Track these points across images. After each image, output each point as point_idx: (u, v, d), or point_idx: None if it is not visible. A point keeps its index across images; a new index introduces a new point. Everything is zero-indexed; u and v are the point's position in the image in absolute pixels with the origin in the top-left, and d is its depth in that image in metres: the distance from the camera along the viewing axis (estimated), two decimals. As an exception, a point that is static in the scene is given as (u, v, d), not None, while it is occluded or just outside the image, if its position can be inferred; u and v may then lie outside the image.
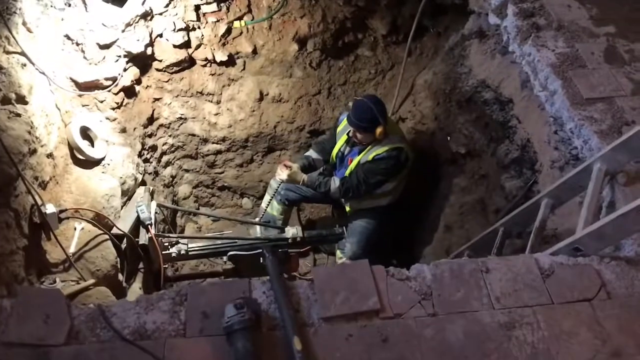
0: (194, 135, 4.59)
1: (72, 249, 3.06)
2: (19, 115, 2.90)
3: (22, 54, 3.08)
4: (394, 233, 4.38)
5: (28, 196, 2.83)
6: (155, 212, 3.77)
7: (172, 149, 4.63)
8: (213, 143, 4.66)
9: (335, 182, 3.85)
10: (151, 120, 4.35)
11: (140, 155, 4.19)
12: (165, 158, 4.60)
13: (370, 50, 4.52)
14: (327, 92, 4.63)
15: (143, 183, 4.19)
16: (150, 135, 4.37)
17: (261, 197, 4.97)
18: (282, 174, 3.88)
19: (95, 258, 3.14)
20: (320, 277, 1.82)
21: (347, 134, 3.88)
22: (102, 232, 3.28)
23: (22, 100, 2.97)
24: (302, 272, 4.62)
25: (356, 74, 4.62)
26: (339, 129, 4.01)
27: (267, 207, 4.20)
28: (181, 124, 4.53)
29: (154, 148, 4.42)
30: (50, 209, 2.94)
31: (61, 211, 3.04)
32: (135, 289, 3.59)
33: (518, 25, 2.84)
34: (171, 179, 4.69)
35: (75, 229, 3.18)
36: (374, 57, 4.55)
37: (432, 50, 4.31)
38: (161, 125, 4.46)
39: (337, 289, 1.79)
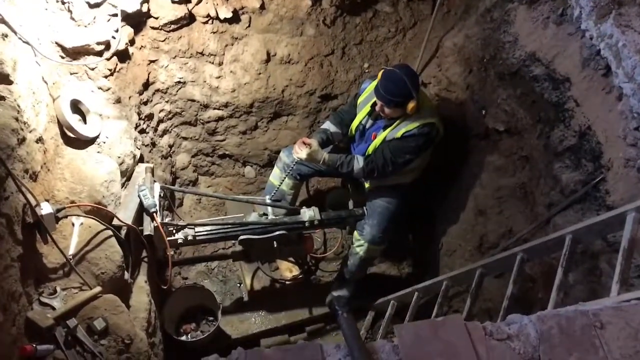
0: (193, 100, 4.12)
1: (71, 250, 2.69)
2: (2, 98, 2.44)
3: (2, 21, 2.58)
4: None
5: (19, 195, 2.41)
6: (160, 195, 3.39)
7: (170, 116, 4.17)
8: (214, 109, 4.20)
9: (359, 162, 3.49)
10: (146, 85, 3.87)
11: (137, 126, 3.74)
12: (162, 126, 4.15)
13: (390, 5, 4.04)
14: (341, 52, 4.17)
15: (141, 157, 3.76)
16: (145, 103, 3.90)
17: (265, 166, 4.60)
18: (301, 152, 3.49)
19: (99, 259, 2.77)
20: (406, 342, 1.49)
21: (371, 106, 3.48)
22: (104, 227, 2.88)
23: (5, 79, 2.50)
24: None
25: (374, 32, 4.15)
26: (360, 99, 3.61)
27: (280, 184, 3.82)
28: (179, 88, 4.05)
29: (150, 117, 3.96)
30: (46, 208, 2.54)
31: (58, 210, 2.62)
32: (141, 283, 3.27)
33: (594, -1, 2.43)
34: (169, 148, 4.25)
35: (73, 225, 2.79)
36: (395, 14, 4.08)
37: (462, 8, 3.85)
38: (157, 90, 3.98)
39: (429, 356, 1.47)
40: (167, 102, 4.07)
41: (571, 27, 2.65)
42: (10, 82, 2.52)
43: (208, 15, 3.79)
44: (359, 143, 3.69)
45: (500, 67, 3.27)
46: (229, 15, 3.80)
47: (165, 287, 3.38)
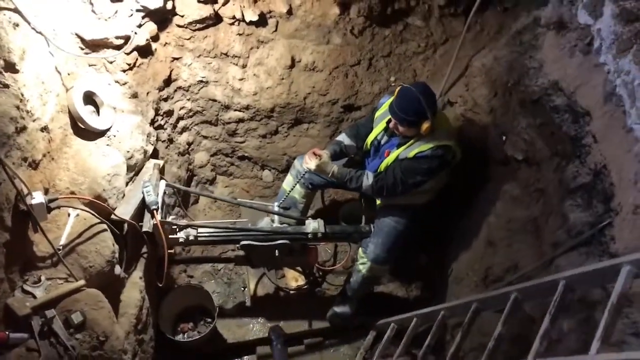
0: (215, 100, 4.12)
1: (62, 241, 2.71)
2: (7, 86, 2.47)
3: (16, 10, 2.62)
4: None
5: (12, 182, 2.43)
6: (165, 192, 3.39)
7: (190, 114, 4.18)
8: (235, 110, 4.19)
9: (368, 178, 3.39)
10: (168, 82, 3.89)
11: (153, 122, 3.76)
12: (181, 123, 4.16)
13: (422, 19, 3.92)
14: (368, 63, 4.08)
15: (155, 152, 3.79)
16: (166, 99, 3.92)
17: (283, 171, 4.55)
18: (310, 163, 3.43)
19: (89, 252, 2.78)
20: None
21: (387, 122, 3.39)
22: (99, 220, 2.90)
23: (11, 68, 2.53)
24: (320, 260, 4.26)
25: (403, 46, 4.04)
26: (377, 113, 3.52)
27: (290, 191, 3.77)
28: (202, 87, 4.05)
29: (169, 113, 3.98)
30: (37, 198, 2.56)
31: (51, 200, 2.64)
32: (135, 279, 3.29)
33: (616, 32, 2.25)
34: (187, 146, 4.27)
35: (69, 215, 2.81)
36: (426, 29, 3.96)
37: (495, 28, 3.69)
38: (179, 87, 3.99)
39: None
40: (188, 100, 4.09)
41: (597, 59, 2.47)
42: (16, 71, 2.56)
43: (234, 17, 3.77)
44: (373, 158, 3.59)
45: (523, 93, 3.11)
46: (255, 18, 3.77)
47: (160, 285, 3.36)
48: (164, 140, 3.95)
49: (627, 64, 2.16)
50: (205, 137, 4.37)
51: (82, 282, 2.64)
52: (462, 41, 3.77)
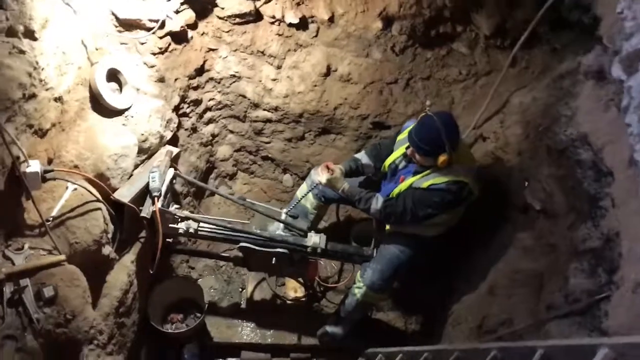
0: (245, 97, 4.08)
1: (54, 212, 2.71)
2: (22, 52, 2.49)
3: (43, -21, 2.64)
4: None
5: (12, 147, 2.45)
6: (172, 181, 3.36)
7: (219, 107, 4.16)
8: (264, 110, 4.14)
9: (377, 202, 3.27)
10: (201, 71, 3.88)
11: (177, 108, 3.75)
12: (208, 115, 4.15)
13: (468, 47, 3.75)
14: (405, 83, 3.94)
15: (175, 139, 3.78)
16: (195, 88, 3.91)
17: (304, 178, 4.45)
18: (322, 176, 3.35)
19: (78, 228, 2.78)
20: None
21: (406, 147, 3.25)
22: (95, 199, 2.89)
23: (30, 35, 2.56)
24: (323, 275, 4.16)
25: (444, 71, 3.88)
26: (400, 137, 3.39)
27: (302, 198, 3.69)
28: (233, 82, 4.02)
29: (197, 102, 3.97)
30: (33, 166, 2.56)
31: (47, 171, 2.65)
32: (126, 262, 3.27)
33: (648, 92, 2.06)
34: (211, 137, 4.25)
35: (67, 188, 2.81)
36: (470, 57, 3.78)
37: (541, 68, 3.49)
38: (211, 78, 3.98)
39: None
40: (219, 92, 4.07)
41: (623, 118, 2.27)
42: (34, 39, 2.58)
43: (274, 17, 3.72)
44: (388, 182, 3.47)
45: (551, 140, 2.91)
46: (295, 20, 3.71)
47: (151, 272, 3.33)
48: (187, 129, 3.94)
49: (651, 130, 1.96)
50: (231, 132, 4.34)
51: (62, 257, 2.63)
52: (503, 75, 3.59)
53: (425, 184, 3.11)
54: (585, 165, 2.63)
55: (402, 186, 3.24)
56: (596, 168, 2.55)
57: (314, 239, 3.43)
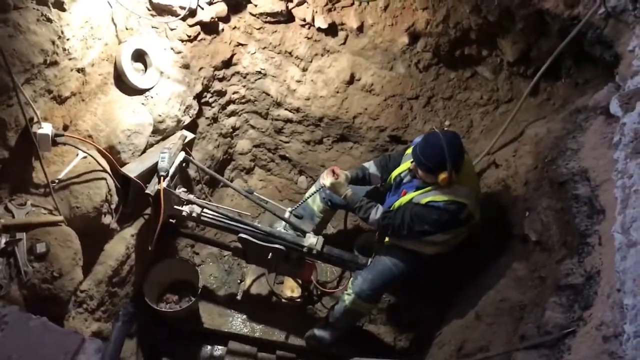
0: (268, 94, 4.18)
1: (61, 175, 2.84)
2: (49, 20, 2.64)
3: (79, -43, 2.80)
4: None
5: (27, 109, 2.60)
6: (182, 164, 3.47)
7: (243, 101, 4.27)
8: (286, 109, 4.22)
9: (377, 212, 3.29)
10: (228, 64, 3.99)
11: (200, 96, 3.87)
12: (231, 107, 4.26)
13: (492, 72, 3.74)
14: (426, 100, 3.95)
15: (194, 126, 3.89)
16: (221, 79, 4.03)
17: (318, 182, 4.52)
18: (326, 179, 3.40)
19: (81, 194, 2.91)
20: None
21: (412, 162, 3.27)
22: (101, 169, 3.02)
23: (60, 6, 2.71)
24: (320, 279, 4.19)
25: (466, 93, 3.87)
26: (408, 151, 3.40)
27: (308, 198, 3.74)
28: (259, 78, 4.13)
29: (221, 93, 4.08)
30: (45, 129, 2.70)
31: (57, 135, 2.78)
32: (126, 235, 3.39)
33: (637, 130, 2.03)
34: (232, 130, 4.35)
35: (77, 155, 2.95)
36: (493, 82, 3.77)
37: (561, 100, 3.46)
38: (237, 72, 4.09)
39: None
40: (244, 86, 4.17)
41: (611, 153, 2.24)
42: (63, 10, 2.73)
43: (304, 20, 3.80)
44: (392, 194, 3.48)
45: (553, 172, 2.88)
46: (324, 26, 3.78)
47: (150, 249, 3.43)
48: (208, 117, 4.06)
49: (634, 167, 1.93)
50: (252, 127, 4.44)
51: (60, 218, 2.76)
52: (524, 105, 3.56)
53: (424, 200, 3.11)
54: (581, 201, 2.59)
55: (403, 200, 3.25)
56: (591, 204, 2.52)
57: (312, 240, 3.47)
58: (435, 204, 3.08)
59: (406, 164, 3.36)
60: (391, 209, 3.31)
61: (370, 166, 3.57)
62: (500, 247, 3.49)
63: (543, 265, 2.93)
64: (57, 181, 2.81)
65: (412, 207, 3.17)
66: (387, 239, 3.59)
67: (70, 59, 2.84)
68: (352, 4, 3.71)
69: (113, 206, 3.19)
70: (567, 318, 2.31)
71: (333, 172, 3.42)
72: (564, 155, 2.86)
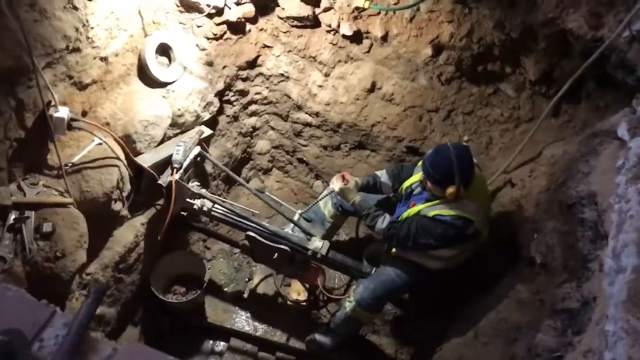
0: (289, 97, 4.22)
1: (75, 159, 2.92)
2: (75, 8, 2.73)
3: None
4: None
5: (46, 92, 2.68)
6: (197, 158, 3.53)
7: (264, 102, 4.32)
8: (306, 113, 4.25)
9: (383, 222, 3.27)
10: (252, 65, 4.05)
11: (222, 94, 3.93)
12: (253, 107, 4.31)
13: (514, 90, 3.69)
14: (446, 114, 3.92)
15: (214, 122, 3.96)
16: (244, 79, 4.08)
17: (333, 187, 4.53)
18: (335, 184, 3.42)
19: (92, 179, 2.98)
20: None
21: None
22: (115, 156, 3.09)
23: (88, -5, 2.80)
24: (327, 285, 4.19)
25: (487, 109, 3.83)
26: (420, 162, 3.38)
27: (319, 201, 3.76)
28: (281, 81, 4.17)
29: (243, 93, 4.14)
30: (61, 113, 2.78)
31: (73, 119, 2.86)
32: (136, 223, 3.45)
33: (641, 156, 1.98)
34: (252, 129, 4.40)
35: (93, 141, 3.03)
36: (516, 100, 3.72)
37: (581, 124, 3.38)
38: (261, 73, 4.15)
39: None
40: (266, 88, 4.22)
41: (615, 177, 2.19)
42: (90, -1, 2.82)
43: (330, 26, 3.83)
44: (402, 205, 3.47)
45: (562, 195, 2.82)
46: (349, 33, 3.80)
47: (159, 238, 3.50)
48: (229, 115, 4.12)
49: (632, 193, 1.88)
50: (272, 129, 4.48)
51: (69, 200, 2.83)
52: (544, 125, 3.51)
53: (431, 213, 3.09)
54: (587, 225, 2.54)
55: (411, 211, 3.24)
56: (595, 229, 2.46)
57: (317, 244, 3.48)
58: (442, 217, 3.05)
59: (417, 175, 3.34)
60: (399, 219, 3.30)
61: (382, 175, 3.56)
62: (507, 268, 3.44)
63: (545, 288, 2.87)
64: (70, 164, 2.89)
65: (418, 219, 3.14)
66: (393, 249, 3.58)
67: (93, 47, 2.93)
68: (378, 13, 3.71)
69: (125, 194, 3.26)
70: (558, 342, 2.26)
71: (343, 177, 3.43)
72: (575, 178, 2.81)
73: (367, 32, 3.84)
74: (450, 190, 2.94)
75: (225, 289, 4.14)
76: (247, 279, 4.25)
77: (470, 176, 3.00)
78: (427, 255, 3.26)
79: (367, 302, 3.38)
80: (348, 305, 3.50)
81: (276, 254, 3.54)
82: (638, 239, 1.74)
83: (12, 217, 2.62)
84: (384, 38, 3.81)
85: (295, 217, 3.69)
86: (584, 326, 2.16)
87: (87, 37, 2.86)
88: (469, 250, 3.27)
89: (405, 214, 3.27)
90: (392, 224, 3.26)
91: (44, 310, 1.47)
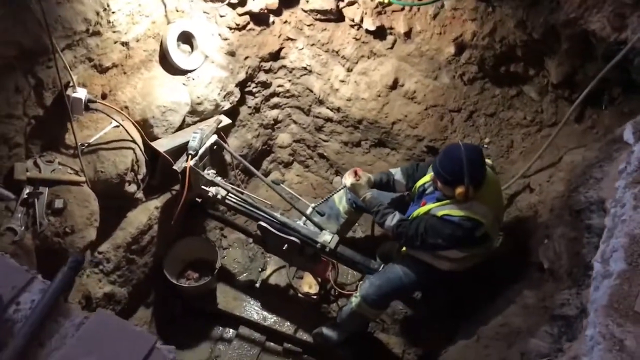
0: (311, 91, 4.23)
1: (91, 140, 3.00)
2: (97, -8, 2.80)
3: None
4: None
5: (65, 73, 2.77)
6: (213, 147, 3.58)
7: (287, 95, 4.34)
8: (327, 108, 4.25)
9: (393, 219, 3.25)
10: (275, 57, 4.08)
11: (243, 85, 3.97)
12: (275, 100, 4.34)
13: (538, 93, 3.60)
14: (468, 115, 3.86)
15: (235, 113, 4.00)
16: (267, 71, 4.12)
17: (352, 185, 4.52)
18: (347, 180, 3.41)
19: (107, 159, 3.07)
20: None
21: (434, 173, 3.22)
22: (131, 139, 3.17)
23: (108, -20, 2.87)
24: (340, 281, 4.19)
25: (510, 112, 3.75)
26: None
27: (333, 196, 3.77)
28: (304, 74, 4.19)
29: (266, 85, 4.17)
30: (79, 94, 2.86)
31: (91, 101, 2.94)
32: (150, 206, 3.53)
33: (643, 161, 1.91)
34: (274, 122, 4.43)
35: (110, 123, 3.11)
36: (539, 104, 3.63)
37: (604, 130, 3.28)
38: (284, 66, 4.17)
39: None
40: (289, 81, 4.24)
41: (613, 183, 2.12)
42: (111, -16, 2.89)
43: (353, 20, 3.82)
44: (415, 204, 3.44)
45: (573, 200, 2.74)
46: (372, 28, 3.79)
47: (172, 223, 3.56)
48: (250, 107, 4.16)
49: (628, 197, 1.82)
50: (294, 122, 4.50)
51: (82, 178, 2.92)
52: (566, 130, 3.43)
53: (440, 213, 3.05)
54: (593, 231, 2.46)
55: (421, 210, 3.20)
56: (601, 236, 2.38)
57: (326, 237, 3.48)
58: (451, 218, 3.01)
59: (430, 175, 3.30)
60: (409, 218, 3.27)
61: (397, 173, 3.53)
62: (520, 273, 3.37)
63: (551, 295, 2.80)
64: (86, 145, 2.98)
65: (428, 218, 3.11)
66: (404, 248, 3.55)
67: (114, 32, 3.01)
68: (402, 8, 3.68)
69: (140, 177, 3.33)
70: (551, 348, 2.20)
71: (355, 173, 3.42)
72: (587, 184, 2.73)
73: (391, 28, 3.82)
74: (460, 190, 2.90)
75: (239, 278, 4.19)
76: (260, 269, 4.29)
77: (480, 177, 2.95)
78: (435, 255, 3.23)
79: (372, 298, 3.36)
80: (354, 300, 3.49)
81: (286, 245, 3.56)
82: (628, 243, 1.69)
83: (26, 191, 2.71)
84: (408, 34, 3.78)
85: (308, 211, 3.70)
86: (578, 333, 2.09)
87: (108, 22, 2.94)
88: (479, 255, 3.22)
89: (415, 213, 3.24)
90: (401, 222, 3.23)
91: (23, 276, 1.53)
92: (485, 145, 3.89)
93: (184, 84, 3.53)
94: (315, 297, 4.13)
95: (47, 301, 1.45)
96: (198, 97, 3.58)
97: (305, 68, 4.15)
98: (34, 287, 1.51)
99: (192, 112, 3.59)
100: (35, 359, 1.40)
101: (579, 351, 1.89)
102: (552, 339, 2.29)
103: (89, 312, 1.50)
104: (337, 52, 4.01)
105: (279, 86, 4.27)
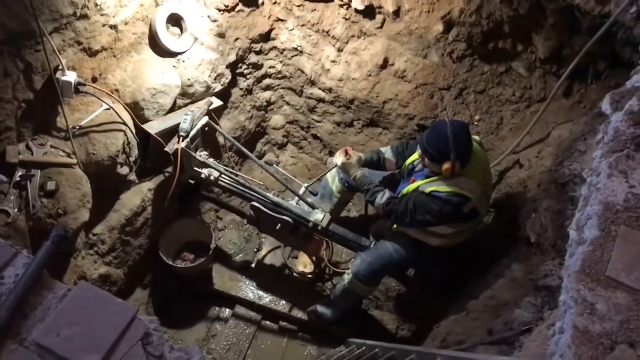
0: (303, 72, 4.25)
1: (82, 122, 3.04)
2: (82, -25, 2.82)
3: None
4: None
5: (54, 56, 2.80)
6: (205, 128, 3.61)
7: (278, 76, 4.36)
8: (319, 89, 4.27)
9: (382, 197, 3.29)
10: (266, 38, 4.09)
11: (234, 66, 3.99)
12: (267, 81, 4.36)
13: (526, 69, 3.62)
14: (458, 92, 3.88)
15: (226, 95, 4.03)
16: (258, 52, 4.13)
17: (345, 164, 4.55)
18: (338, 158, 3.45)
19: (98, 142, 3.10)
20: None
21: (422, 149, 3.25)
22: (121, 122, 3.20)
23: (94, -38, 2.89)
24: (334, 260, 4.24)
25: (499, 88, 3.77)
26: (424, 139, 3.38)
27: (325, 175, 3.81)
28: (295, 55, 4.20)
29: (257, 66, 4.19)
30: (69, 77, 2.88)
31: (80, 84, 2.97)
32: (143, 188, 3.57)
33: (619, 129, 1.93)
34: (266, 103, 4.45)
35: (101, 106, 3.14)
36: (527, 79, 3.64)
37: (591, 104, 3.30)
38: (275, 47, 4.18)
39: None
40: (280, 62, 4.26)
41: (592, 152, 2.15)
42: (97, -33, 2.91)
43: (342, 0, 3.82)
44: (404, 181, 3.47)
45: (557, 174, 2.77)
46: (361, 7, 3.79)
47: (165, 205, 3.60)
48: (242, 88, 4.18)
49: (604, 166, 1.85)
50: (287, 104, 4.52)
51: (74, 161, 2.96)
52: (555, 106, 3.45)
53: (428, 189, 3.08)
54: (576, 203, 2.49)
55: (410, 187, 3.24)
56: (583, 207, 2.42)
57: (318, 216, 3.52)
58: (438, 194, 3.04)
59: (419, 152, 3.33)
60: (398, 195, 3.31)
61: (387, 151, 3.57)
62: (509, 248, 3.42)
63: (537, 267, 2.84)
64: (77, 127, 3.01)
65: (416, 195, 3.15)
66: (394, 225, 3.59)
67: (102, 15, 3.03)
68: (391, -14, 3.69)
69: (132, 159, 3.37)
70: (534, 317, 2.25)
71: (346, 152, 3.45)
72: (571, 157, 2.76)
73: (380, 7, 3.82)
74: (446, 166, 2.93)
75: (234, 258, 4.24)
76: (255, 250, 4.34)
77: (467, 153, 2.98)
78: (425, 232, 3.27)
79: (363, 274, 3.41)
80: (346, 277, 3.54)
81: (279, 225, 3.61)
82: (601, 211, 1.72)
83: (19, 174, 2.76)
84: (396, 13, 3.79)
85: (301, 191, 3.75)
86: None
87: (95, 4, 2.95)
88: (468, 230, 3.26)
89: (404, 190, 3.28)
90: (391, 200, 3.27)
91: (7, 250, 1.57)
92: (475, 123, 3.91)
93: (174, 66, 3.56)
94: (310, 276, 4.19)
95: (30, 274, 1.50)
96: (188, 79, 3.61)
97: (296, 49, 4.16)
98: (18, 262, 1.56)
99: (183, 94, 3.61)
100: (19, 331, 1.45)
101: (556, 318, 1.93)
102: (535, 309, 2.33)
103: (70, 286, 1.55)
104: (327, 32, 4.02)
105: (270, 67, 4.29)
